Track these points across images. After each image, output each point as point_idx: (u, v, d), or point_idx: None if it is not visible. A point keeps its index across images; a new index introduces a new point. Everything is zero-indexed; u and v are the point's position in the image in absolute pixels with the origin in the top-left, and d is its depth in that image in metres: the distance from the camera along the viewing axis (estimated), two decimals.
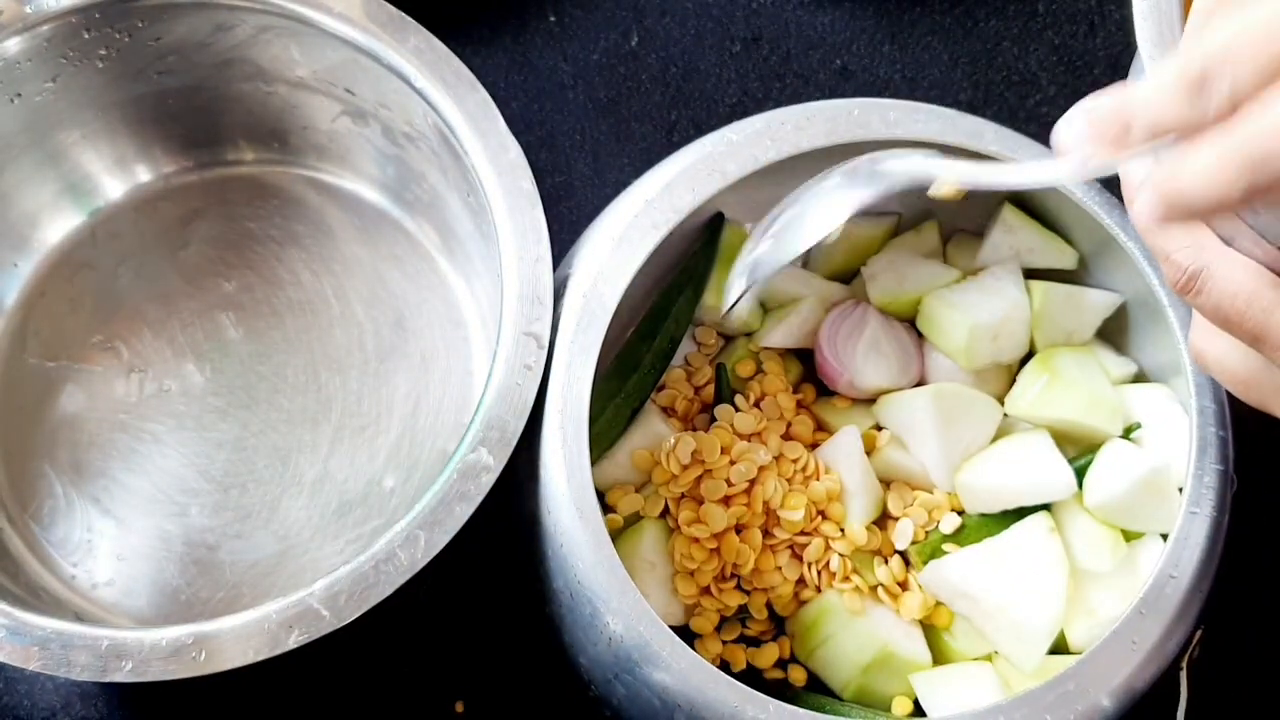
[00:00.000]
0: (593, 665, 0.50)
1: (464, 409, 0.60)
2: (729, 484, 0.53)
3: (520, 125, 0.66)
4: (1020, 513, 0.54)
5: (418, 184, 0.61)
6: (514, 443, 0.49)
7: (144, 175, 0.63)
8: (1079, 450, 0.55)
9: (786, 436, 0.56)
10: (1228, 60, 0.33)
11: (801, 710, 0.46)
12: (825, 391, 0.58)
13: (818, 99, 0.56)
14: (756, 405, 0.56)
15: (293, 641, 0.46)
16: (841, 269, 0.60)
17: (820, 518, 0.54)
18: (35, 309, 0.61)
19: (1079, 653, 0.51)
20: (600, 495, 0.54)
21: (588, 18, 0.69)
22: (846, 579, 0.53)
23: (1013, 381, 0.56)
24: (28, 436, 0.59)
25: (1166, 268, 0.39)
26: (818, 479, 0.54)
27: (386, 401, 0.60)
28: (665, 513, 0.54)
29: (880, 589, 0.54)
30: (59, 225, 0.62)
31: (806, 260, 0.61)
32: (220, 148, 0.63)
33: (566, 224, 0.63)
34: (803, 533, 0.54)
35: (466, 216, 0.59)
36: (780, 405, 0.56)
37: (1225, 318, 0.38)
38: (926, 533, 0.54)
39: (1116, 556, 0.52)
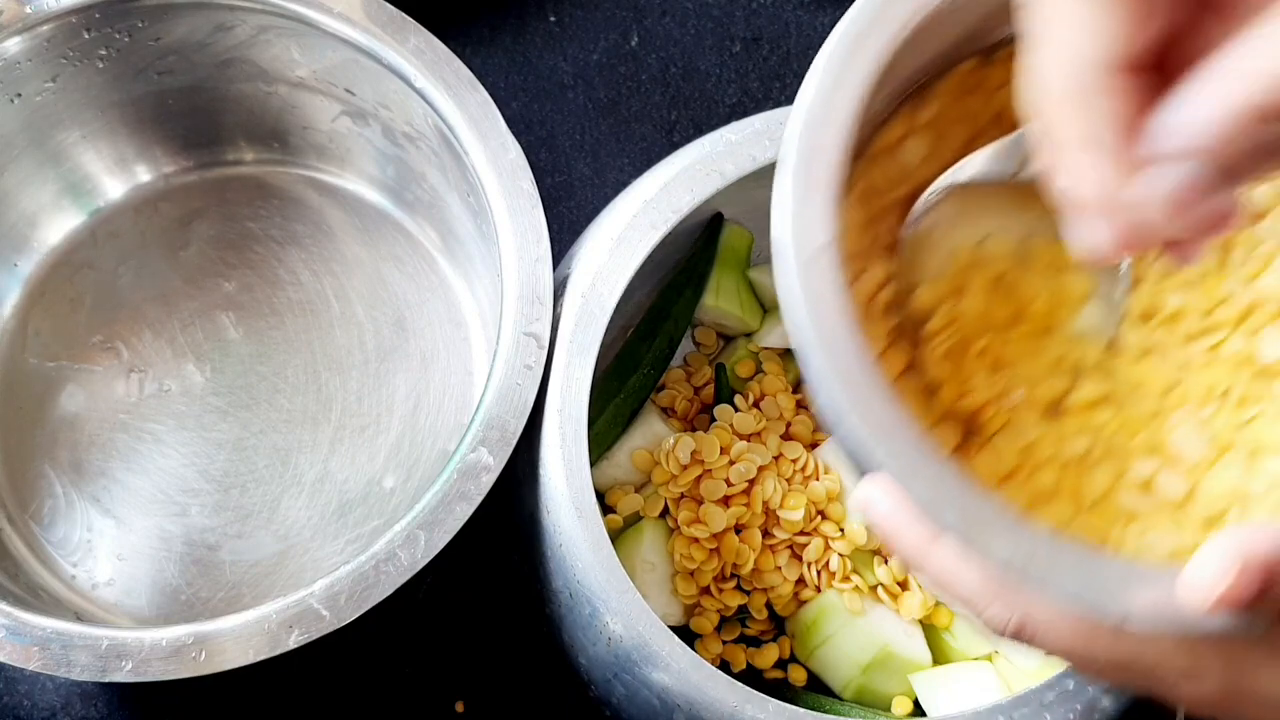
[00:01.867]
0: (592, 665, 0.50)
1: (464, 409, 0.60)
2: (728, 484, 0.53)
3: (520, 125, 0.66)
4: None
5: (418, 184, 0.61)
6: (514, 443, 0.49)
7: (144, 175, 0.63)
8: None
9: (786, 436, 0.56)
10: None
11: (801, 710, 0.46)
12: None
13: None
14: (756, 405, 0.56)
15: (293, 641, 0.46)
16: None
17: (820, 518, 0.54)
18: (35, 309, 0.61)
19: None
20: (600, 495, 0.54)
21: (588, 18, 0.69)
22: (846, 579, 0.53)
23: None
24: (28, 436, 0.59)
25: (985, 621, 0.35)
26: (817, 479, 0.54)
27: (386, 401, 0.60)
28: (665, 513, 0.54)
29: (880, 589, 0.53)
30: (59, 225, 0.62)
31: None
32: (220, 148, 0.63)
33: (566, 224, 0.63)
34: (802, 533, 0.54)
35: (467, 217, 0.59)
36: (780, 405, 0.56)
37: (1075, 658, 0.34)
38: None
39: None
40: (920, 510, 0.34)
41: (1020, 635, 0.34)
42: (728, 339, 0.60)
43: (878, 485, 0.35)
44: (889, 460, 0.34)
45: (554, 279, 0.52)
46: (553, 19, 0.69)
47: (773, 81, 0.68)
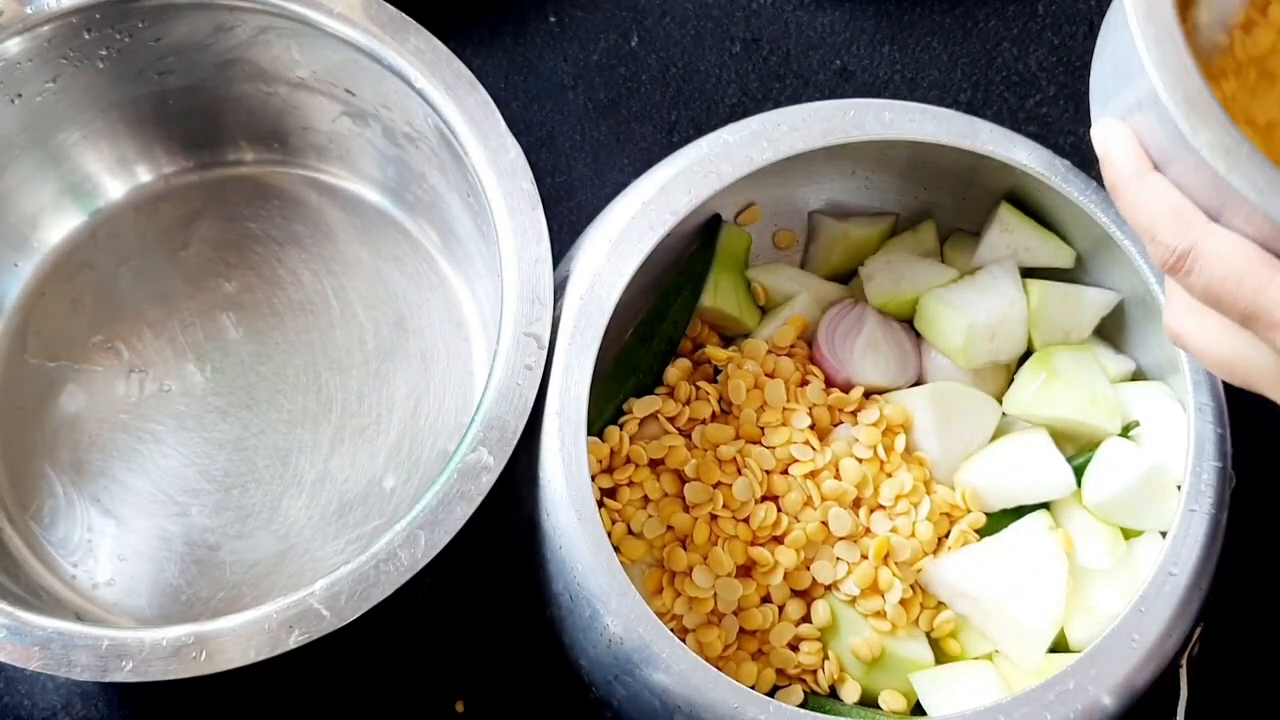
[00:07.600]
0: (593, 667, 0.50)
1: (464, 409, 0.60)
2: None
3: (520, 126, 0.66)
4: (1019, 511, 0.54)
5: (418, 184, 0.61)
6: (514, 443, 0.49)
7: (144, 176, 0.63)
8: (1077, 448, 0.55)
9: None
10: None
11: (802, 711, 0.46)
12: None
13: (817, 99, 0.56)
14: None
15: (293, 641, 0.46)
16: (839, 269, 0.60)
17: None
18: (36, 309, 0.61)
19: (1079, 651, 0.51)
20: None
21: (588, 18, 0.69)
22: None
23: (1011, 380, 0.56)
24: (28, 436, 0.59)
25: (1153, 248, 0.38)
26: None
27: (387, 401, 0.60)
28: None
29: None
30: (60, 225, 0.62)
31: (804, 260, 0.61)
32: (221, 148, 0.63)
33: (566, 224, 0.63)
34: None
35: (467, 217, 0.59)
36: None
37: (1216, 298, 0.37)
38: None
39: (1116, 554, 0.52)
40: (1139, 150, 0.39)
41: (1179, 266, 0.38)
42: (727, 339, 0.60)
43: (1113, 123, 0.40)
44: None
45: (554, 279, 0.52)
46: (553, 19, 0.69)
47: (772, 82, 0.68)
